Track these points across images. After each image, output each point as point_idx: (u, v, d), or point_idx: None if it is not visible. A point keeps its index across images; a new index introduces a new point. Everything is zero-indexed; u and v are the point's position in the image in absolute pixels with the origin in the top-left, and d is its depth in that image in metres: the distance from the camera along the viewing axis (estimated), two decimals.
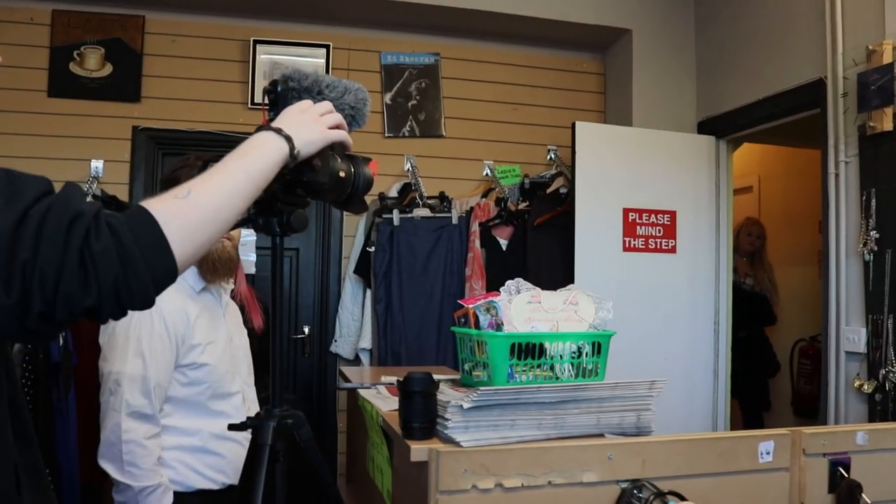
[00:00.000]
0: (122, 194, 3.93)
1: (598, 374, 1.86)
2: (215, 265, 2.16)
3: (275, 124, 1.25)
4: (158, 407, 1.99)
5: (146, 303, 0.98)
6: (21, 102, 3.75)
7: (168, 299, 2.05)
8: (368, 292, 4.02)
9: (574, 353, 1.83)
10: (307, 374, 4.27)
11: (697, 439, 1.67)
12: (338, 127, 1.35)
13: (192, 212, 1.02)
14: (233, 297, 2.84)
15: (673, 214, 4.10)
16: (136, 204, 0.99)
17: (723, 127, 4.21)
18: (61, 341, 3.00)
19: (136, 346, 1.96)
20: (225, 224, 1.06)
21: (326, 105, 1.35)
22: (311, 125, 1.29)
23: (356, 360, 4.10)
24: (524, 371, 1.79)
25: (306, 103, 1.34)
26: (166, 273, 0.98)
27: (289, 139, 1.22)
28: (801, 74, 3.54)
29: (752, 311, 4.88)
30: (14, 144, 3.74)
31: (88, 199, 3.53)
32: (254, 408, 2.23)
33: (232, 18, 4.21)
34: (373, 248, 3.95)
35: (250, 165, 1.14)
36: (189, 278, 2.13)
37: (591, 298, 1.90)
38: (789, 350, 5.24)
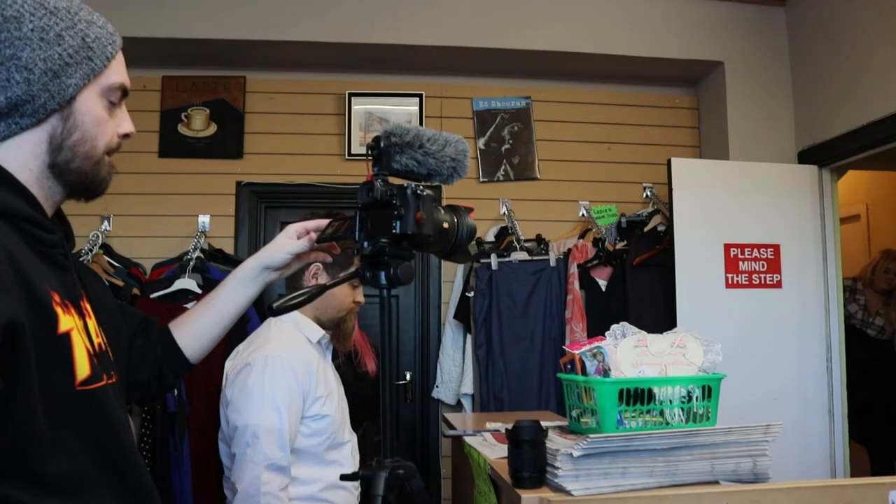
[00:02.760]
0: (228, 247, 4.08)
1: (709, 418, 1.81)
2: (347, 337, 2.30)
3: None
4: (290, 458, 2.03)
5: None
6: (134, 164, 3.95)
7: (295, 352, 2.11)
8: (469, 337, 4.03)
9: (684, 397, 1.80)
10: (409, 421, 4.29)
11: (821, 486, 1.61)
12: None
13: None
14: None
15: (776, 248, 3.98)
16: None
17: (825, 155, 4.08)
18: (176, 392, 3.11)
19: (271, 399, 2.01)
20: None
21: None
22: None
23: (458, 406, 4.10)
24: (633, 417, 1.76)
25: None
26: None
27: None
28: None
29: (874, 363, 4.62)
30: (128, 204, 3.93)
31: (197, 253, 3.69)
32: (356, 454, 2.26)
33: (327, 73, 4.35)
34: (472, 293, 3.96)
35: None
36: (306, 330, 2.18)
37: (699, 341, 1.86)
38: None
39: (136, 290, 3.61)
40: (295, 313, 2.16)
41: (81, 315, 1.16)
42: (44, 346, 1.04)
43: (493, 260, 3.95)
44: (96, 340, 1.19)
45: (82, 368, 1.11)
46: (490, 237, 4.20)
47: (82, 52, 1.14)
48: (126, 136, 1.26)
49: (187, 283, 3.57)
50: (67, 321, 1.10)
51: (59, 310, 1.09)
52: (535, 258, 4.02)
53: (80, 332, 1.13)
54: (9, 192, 1.09)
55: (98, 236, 3.72)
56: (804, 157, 4.22)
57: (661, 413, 1.78)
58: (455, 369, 4.08)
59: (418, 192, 1.45)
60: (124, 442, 1.19)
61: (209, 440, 3.27)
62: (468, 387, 4.00)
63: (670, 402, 1.78)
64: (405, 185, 1.46)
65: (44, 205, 1.16)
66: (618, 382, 1.74)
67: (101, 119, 1.19)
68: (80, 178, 1.19)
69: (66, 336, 1.09)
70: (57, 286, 1.11)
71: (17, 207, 1.09)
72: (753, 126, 4.30)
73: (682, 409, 1.80)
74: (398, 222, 1.43)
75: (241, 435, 2.01)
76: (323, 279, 2.17)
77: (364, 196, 1.47)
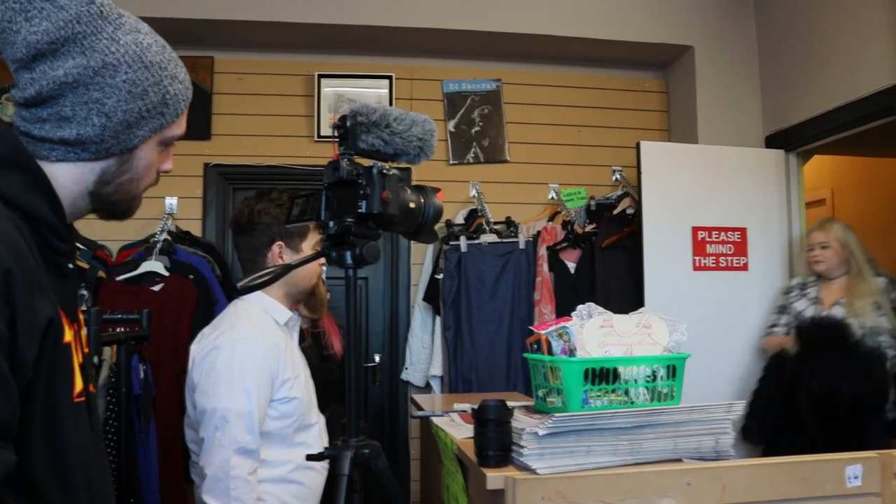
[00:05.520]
0: (196, 229, 4.04)
1: (673, 397, 1.84)
2: (322, 303, 2.28)
3: None
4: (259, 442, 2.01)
5: None
6: None
7: (263, 334, 2.09)
8: (437, 319, 4.04)
9: (649, 376, 1.82)
10: (378, 402, 4.29)
11: (780, 463, 1.64)
12: None
13: None
14: (316, 324, 2.91)
15: (743, 231, 4.03)
16: None
17: (792, 140, 4.12)
18: (142, 374, 3.09)
19: (240, 382, 1.98)
20: None
21: None
22: None
23: (427, 388, 4.11)
24: (599, 396, 1.78)
25: None
26: None
27: None
28: (874, 82, 3.45)
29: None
30: None
31: (164, 235, 3.65)
32: (325, 436, 2.26)
33: (296, 54, 4.31)
34: (441, 276, 3.97)
35: None
36: (274, 312, 2.16)
37: (664, 321, 1.88)
38: None
39: (101, 273, 3.57)
40: (262, 295, 2.15)
41: (76, 324, 1.17)
42: (52, 354, 1.04)
43: (463, 242, 3.95)
44: (84, 350, 1.20)
45: (78, 380, 1.12)
46: (459, 219, 4.20)
47: (159, 108, 1.16)
48: (165, 172, 1.28)
49: (154, 265, 3.53)
50: (69, 332, 1.11)
51: (64, 319, 1.09)
52: (505, 240, 4.03)
53: (74, 343, 1.13)
54: (41, 198, 1.10)
55: None
56: (771, 141, 4.27)
57: (626, 392, 1.80)
58: (424, 351, 4.09)
59: (384, 171, 1.45)
60: (101, 454, 1.19)
61: (176, 422, 3.25)
62: (437, 368, 4.01)
63: (635, 381, 1.80)
64: (371, 164, 1.46)
65: (67, 215, 1.16)
66: (583, 362, 1.75)
67: (152, 164, 1.22)
68: (114, 207, 1.22)
69: (69, 347, 1.10)
70: (60, 295, 1.11)
71: (44, 215, 1.10)
72: (722, 110, 4.34)
73: (647, 389, 1.82)
74: (364, 202, 1.43)
75: (209, 418, 1.99)
76: (287, 256, 2.15)
77: (330, 175, 1.47)
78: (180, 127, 1.23)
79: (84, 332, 1.22)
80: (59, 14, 1.06)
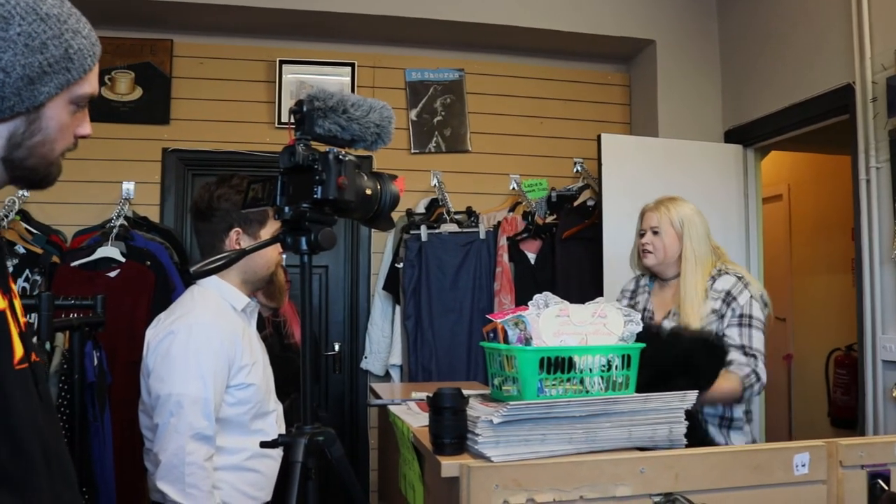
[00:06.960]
0: (153, 215, 3.99)
1: (628, 386, 1.85)
2: (281, 291, 2.26)
3: None
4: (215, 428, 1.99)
5: None
6: None
7: (219, 319, 2.07)
8: (398, 308, 4.03)
9: (604, 366, 1.83)
10: (338, 391, 4.28)
11: (731, 452, 1.66)
12: None
13: None
14: (277, 313, 2.89)
15: None
16: None
17: (750, 135, 4.18)
18: (95, 361, 3.04)
19: (196, 368, 1.96)
20: None
21: None
22: None
23: (387, 377, 4.11)
24: (554, 385, 1.79)
25: None
26: None
27: None
28: (829, 80, 3.51)
29: None
30: None
31: (121, 221, 3.60)
32: (282, 423, 2.24)
33: (258, 39, 4.27)
34: (401, 265, 3.96)
35: None
36: (230, 297, 2.14)
37: (619, 311, 1.89)
38: (824, 360, 5.17)
39: (55, 258, 3.50)
40: (219, 281, 2.12)
41: (7, 294, 1.14)
42: None
43: (423, 231, 3.95)
44: (21, 320, 1.17)
45: (17, 347, 1.09)
46: (420, 209, 4.19)
47: (62, 63, 1.12)
48: (83, 136, 1.23)
49: (110, 251, 3.48)
50: (1, 301, 1.09)
51: None
52: (465, 230, 4.04)
53: (9, 311, 1.11)
54: None
55: (14, 202, 3.58)
56: (730, 136, 4.32)
57: (582, 381, 1.81)
58: (384, 340, 4.09)
59: (340, 157, 1.44)
60: (54, 423, 1.17)
61: (133, 411, 3.20)
62: (397, 357, 4.00)
63: (590, 370, 1.81)
64: (327, 150, 1.45)
65: None
66: (538, 351, 1.76)
67: (64, 125, 1.18)
68: (31, 174, 1.18)
69: (3, 315, 1.08)
70: None
71: None
72: (682, 105, 4.38)
73: (602, 378, 1.83)
74: (319, 187, 1.42)
75: (164, 404, 1.96)
76: (245, 243, 2.12)
77: (286, 160, 1.46)
78: (90, 85, 1.19)
79: (19, 302, 1.19)
80: None
